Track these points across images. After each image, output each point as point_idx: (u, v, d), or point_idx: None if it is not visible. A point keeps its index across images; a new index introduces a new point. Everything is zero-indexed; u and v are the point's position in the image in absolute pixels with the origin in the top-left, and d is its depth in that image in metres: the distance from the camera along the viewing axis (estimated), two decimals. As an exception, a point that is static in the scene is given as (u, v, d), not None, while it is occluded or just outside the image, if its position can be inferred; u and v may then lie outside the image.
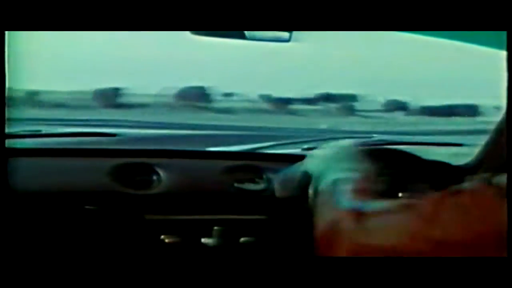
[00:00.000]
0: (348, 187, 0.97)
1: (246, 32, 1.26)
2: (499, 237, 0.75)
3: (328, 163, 1.08)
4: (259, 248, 1.59)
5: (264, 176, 1.63)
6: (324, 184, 1.03)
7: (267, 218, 1.59)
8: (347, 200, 0.93)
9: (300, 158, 1.59)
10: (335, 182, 1.00)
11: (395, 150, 1.56)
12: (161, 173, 1.59)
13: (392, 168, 1.49)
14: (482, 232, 0.76)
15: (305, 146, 1.82)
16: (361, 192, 0.95)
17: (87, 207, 1.51)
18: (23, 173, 1.41)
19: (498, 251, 0.75)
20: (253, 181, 1.63)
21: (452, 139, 2.37)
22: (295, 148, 1.86)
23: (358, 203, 0.91)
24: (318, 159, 1.12)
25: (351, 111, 4.75)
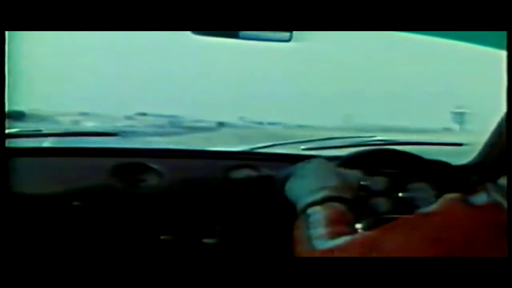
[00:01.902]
0: (319, 220, 0.97)
1: (247, 32, 1.26)
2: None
3: (301, 184, 1.09)
4: (261, 247, 1.59)
5: (264, 176, 1.63)
6: (299, 209, 1.03)
7: (267, 217, 1.58)
8: (316, 239, 0.94)
9: (299, 158, 1.59)
10: (307, 214, 1.00)
11: (395, 150, 1.56)
12: (161, 172, 1.59)
13: (392, 168, 1.49)
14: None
15: (304, 147, 1.82)
16: (333, 223, 0.96)
17: (87, 206, 1.52)
18: (23, 173, 1.42)
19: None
20: (253, 180, 1.63)
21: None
22: (295, 148, 1.86)
23: (327, 243, 0.91)
24: (291, 183, 1.12)
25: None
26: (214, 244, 1.58)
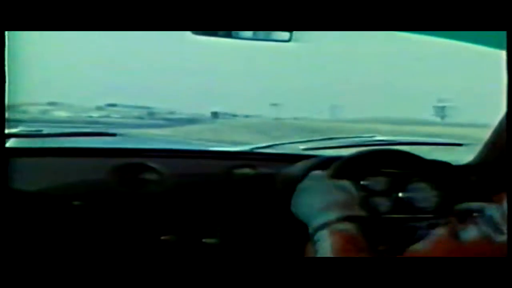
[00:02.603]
0: (325, 249, 0.96)
1: (247, 32, 1.26)
2: None
3: (305, 204, 1.08)
4: (261, 247, 1.59)
5: (265, 176, 1.63)
6: (310, 230, 1.03)
7: (267, 217, 1.58)
8: None
9: (299, 158, 1.59)
10: (315, 240, 1.00)
11: (396, 150, 1.56)
12: (161, 172, 1.59)
13: (392, 168, 1.49)
14: None
15: (303, 147, 1.82)
16: (339, 253, 0.95)
17: (87, 206, 1.52)
18: (23, 173, 1.42)
19: None
20: (254, 180, 1.63)
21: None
22: (294, 148, 1.86)
23: None
24: (295, 201, 1.11)
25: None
26: (214, 244, 1.58)
